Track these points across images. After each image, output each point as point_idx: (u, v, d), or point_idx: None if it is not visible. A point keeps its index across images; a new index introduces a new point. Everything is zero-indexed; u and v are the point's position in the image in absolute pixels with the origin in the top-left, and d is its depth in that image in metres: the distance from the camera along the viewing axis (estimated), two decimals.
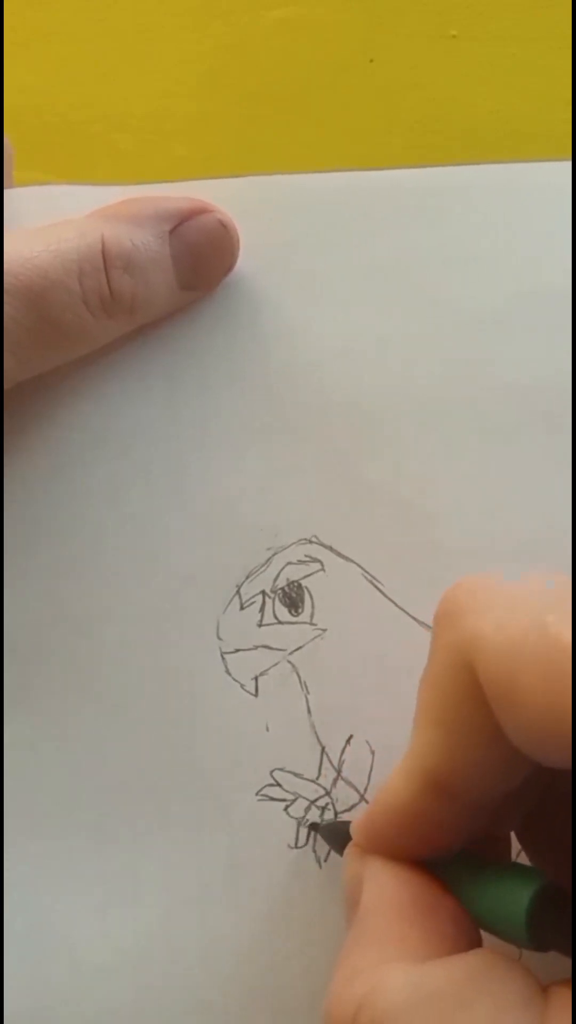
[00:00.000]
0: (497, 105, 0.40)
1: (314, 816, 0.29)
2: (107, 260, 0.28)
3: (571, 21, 0.40)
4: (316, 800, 0.29)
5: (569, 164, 0.31)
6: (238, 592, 0.30)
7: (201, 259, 0.30)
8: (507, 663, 0.20)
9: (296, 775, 0.29)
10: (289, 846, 0.29)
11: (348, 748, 0.29)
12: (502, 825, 0.25)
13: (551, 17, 0.40)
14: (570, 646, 0.19)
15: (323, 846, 0.28)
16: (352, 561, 0.30)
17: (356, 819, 0.24)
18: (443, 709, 0.22)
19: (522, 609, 0.20)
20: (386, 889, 0.22)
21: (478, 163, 0.39)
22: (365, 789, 0.29)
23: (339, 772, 0.29)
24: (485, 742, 0.21)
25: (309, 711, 0.29)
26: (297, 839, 0.29)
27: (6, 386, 0.28)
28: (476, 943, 0.22)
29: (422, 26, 0.40)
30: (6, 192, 0.31)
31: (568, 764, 0.19)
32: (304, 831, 0.29)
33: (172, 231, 0.29)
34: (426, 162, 0.39)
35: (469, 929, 0.22)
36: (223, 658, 0.30)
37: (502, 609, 0.21)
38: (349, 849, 0.24)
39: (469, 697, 0.21)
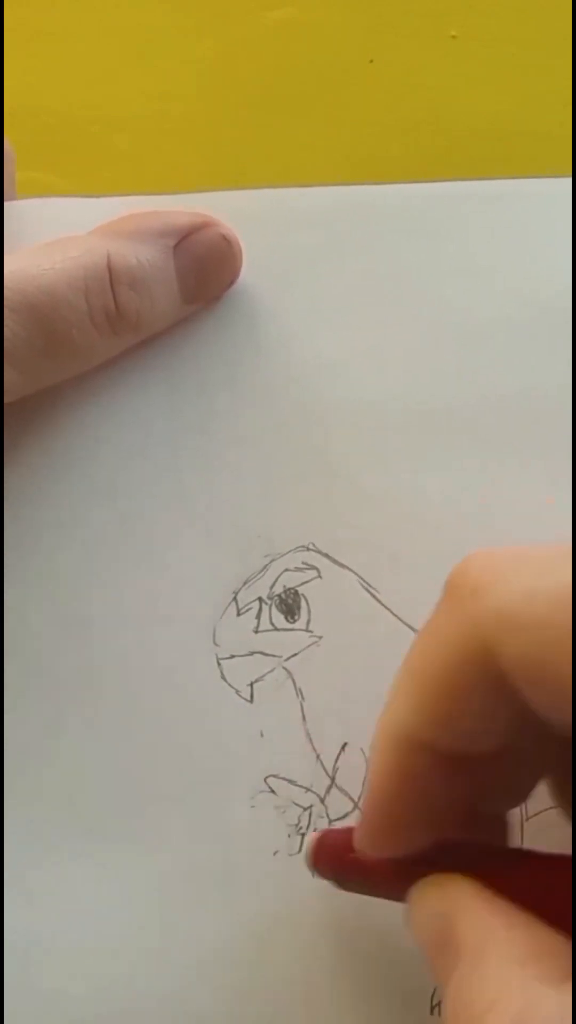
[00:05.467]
0: (497, 106, 0.40)
1: (306, 823, 0.29)
2: (113, 277, 0.28)
3: (571, 22, 0.40)
4: (309, 807, 0.29)
5: (568, 180, 0.31)
6: (235, 598, 0.30)
7: (204, 273, 0.30)
8: (538, 643, 0.19)
9: (290, 782, 0.29)
10: (283, 853, 0.29)
11: (342, 756, 0.29)
12: (503, 804, 0.25)
13: (551, 18, 0.40)
14: None
15: None
16: (348, 569, 0.30)
17: (357, 828, 0.24)
18: (448, 682, 0.21)
19: (546, 579, 0.20)
20: (490, 920, 0.21)
21: (478, 172, 0.39)
22: (359, 797, 0.29)
23: (333, 780, 0.29)
24: (499, 719, 0.21)
25: (304, 718, 0.30)
26: (290, 846, 0.29)
27: (12, 400, 0.28)
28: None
29: (422, 26, 0.40)
30: (11, 206, 0.31)
31: None
32: (298, 838, 0.29)
33: (176, 246, 0.29)
34: (426, 163, 0.40)
35: (564, 943, 0.21)
36: (219, 664, 0.30)
37: (526, 582, 0.20)
38: (422, 888, 0.23)
39: (485, 676, 0.20)
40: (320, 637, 0.30)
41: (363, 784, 0.29)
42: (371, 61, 0.40)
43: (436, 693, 0.21)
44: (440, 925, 0.22)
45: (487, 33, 0.40)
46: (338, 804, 0.29)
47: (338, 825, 0.29)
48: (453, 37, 0.40)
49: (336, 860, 0.26)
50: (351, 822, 0.27)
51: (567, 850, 0.24)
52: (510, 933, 0.21)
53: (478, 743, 0.22)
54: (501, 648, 0.20)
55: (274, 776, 0.29)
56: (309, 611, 0.30)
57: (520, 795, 0.25)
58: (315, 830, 0.29)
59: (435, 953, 0.22)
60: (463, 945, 0.21)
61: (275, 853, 0.29)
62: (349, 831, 0.26)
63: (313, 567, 0.30)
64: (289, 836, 0.29)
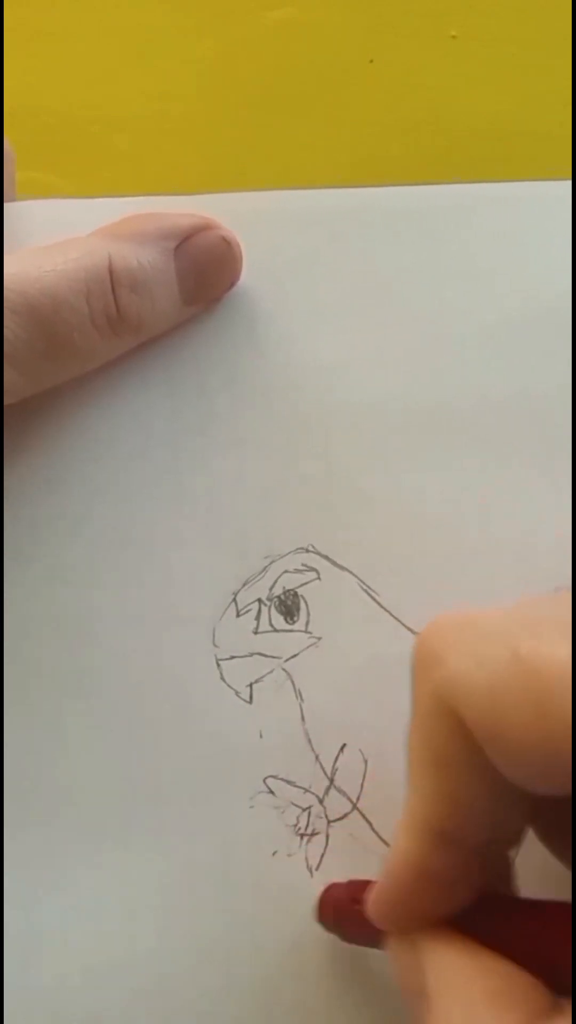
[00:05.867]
0: (497, 106, 0.40)
1: (305, 823, 0.29)
2: (114, 279, 0.28)
3: (571, 22, 0.40)
4: (308, 808, 0.29)
5: (568, 183, 0.31)
6: (234, 599, 0.30)
7: (205, 276, 0.30)
8: (491, 701, 0.20)
9: (289, 783, 0.29)
10: (281, 853, 0.29)
11: (341, 756, 0.29)
12: (502, 850, 0.25)
13: (551, 18, 0.40)
14: (547, 674, 0.19)
15: (315, 854, 0.29)
16: (348, 571, 0.30)
17: (370, 896, 0.24)
18: (434, 756, 0.22)
19: (497, 641, 0.20)
20: (457, 964, 0.22)
21: (478, 172, 0.39)
22: (357, 798, 0.29)
23: (332, 780, 0.29)
24: (481, 783, 0.21)
25: (303, 719, 0.30)
26: (289, 846, 0.29)
27: (13, 401, 0.28)
28: (544, 995, 0.21)
29: (422, 26, 0.40)
30: (12, 207, 0.31)
31: (565, 792, 0.19)
32: (297, 839, 0.29)
33: (176, 248, 0.29)
34: (426, 163, 0.40)
35: (534, 984, 0.21)
36: (218, 665, 0.30)
37: (477, 646, 0.21)
38: (396, 941, 0.23)
39: (458, 741, 0.21)
40: (319, 638, 0.30)
41: (361, 785, 0.29)
42: (371, 61, 0.40)
43: (430, 771, 0.22)
44: (413, 973, 0.23)
45: (487, 33, 0.40)
46: (337, 805, 0.29)
47: (336, 825, 0.29)
48: (453, 37, 0.40)
49: (339, 916, 0.27)
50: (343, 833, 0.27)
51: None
52: (476, 977, 0.21)
53: (477, 816, 0.22)
54: (461, 712, 0.21)
55: (273, 777, 0.29)
56: (308, 612, 0.30)
57: (516, 843, 0.25)
58: (314, 831, 0.29)
59: (412, 1002, 0.23)
60: (432, 992, 0.22)
61: (274, 853, 0.29)
62: (351, 885, 0.27)
63: (312, 569, 0.30)
64: (288, 837, 0.29)
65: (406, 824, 0.22)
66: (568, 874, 0.24)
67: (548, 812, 0.24)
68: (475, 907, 0.23)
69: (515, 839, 0.24)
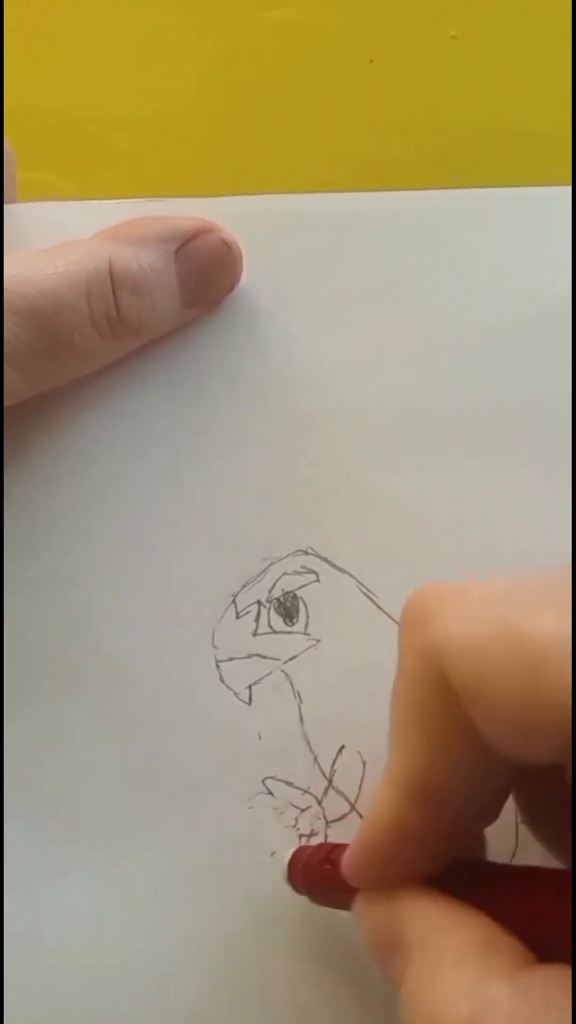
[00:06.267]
0: (497, 106, 0.40)
1: (303, 824, 0.29)
2: (115, 282, 0.28)
3: (571, 22, 0.40)
4: (307, 809, 0.29)
5: (568, 188, 0.31)
6: (234, 601, 0.30)
7: (206, 278, 0.30)
8: (477, 664, 0.20)
9: (288, 784, 0.30)
10: (280, 854, 0.29)
11: (339, 758, 0.30)
12: (479, 824, 0.25)
13: (551, 18, 0.40)
14: (535, 641, 0.19)
15: None
16: (347, 573, 0.30)
17: (345, 854, 0.24)
18: (419, 718, 0.22)
19: (486, 608, 0.21)
20: (438, 917, 0.22)
21: (478, 172, 0.39)
22: (355, 799, 0.30)
23: (330, 782, 0.30)
24: (463, 746, 0.22)
25: (302, 720, 0.30)
26: (288, 847, 0.29)
27: (13, 403, 0.28)
28: (524, 948, 0.21)
29: (422, 26, 0.40)
30: (12, 208, 0.31)
31: (543, 760, 0.20)
32: (296, 840, 0.29)
33: (177, 251, 0.29)
34: (426, 163, 0.40)
35: (513, 936, 0.22)
36: (218, 666, 0.30)
37: (467, 610, 0.21)
38: (370, 896, 0.24)
39: (443, 702, 0.21)
40: (318, 640, 0.30)
41: (359, 786, 0.30)
42: (371, 61, 0.40)
43: (413, 732, 0.22)
44: (388, 927, 0.23)
45: (487, 33, 0.40)
46: (335, 805, 0.30)
47: (335, 826, 0.29)
48: (453, 37, 0.40)
49: (309, 877, 0.27)
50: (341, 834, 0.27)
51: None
52: (459, 929, 0.22)
53: (457, 780, 0.22)
54: (448, 672, 0.21)
55: (272, 778, 0.30)
56: (307, 614, 0.30)
57: (492, 815, 0.25)
58: (312, 832, 0.29)
59: (386, 956, 0.23)
60: (413, 944, 0.22)
61: (272, 854, 0.29)
62: (321, 847, 0.27)
63: (312, 571, 0.30)
64: (286, 837, 0.29)
65: (386, 782, 0.23)
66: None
67: (528, 789, 0.24)
68: (448, 871, 0.23)
69: (490, 814, 0.25)
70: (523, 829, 0.28)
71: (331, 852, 0.27)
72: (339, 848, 0.26)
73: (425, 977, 0.21)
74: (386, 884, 0.23)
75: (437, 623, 0.21)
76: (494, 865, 0.25)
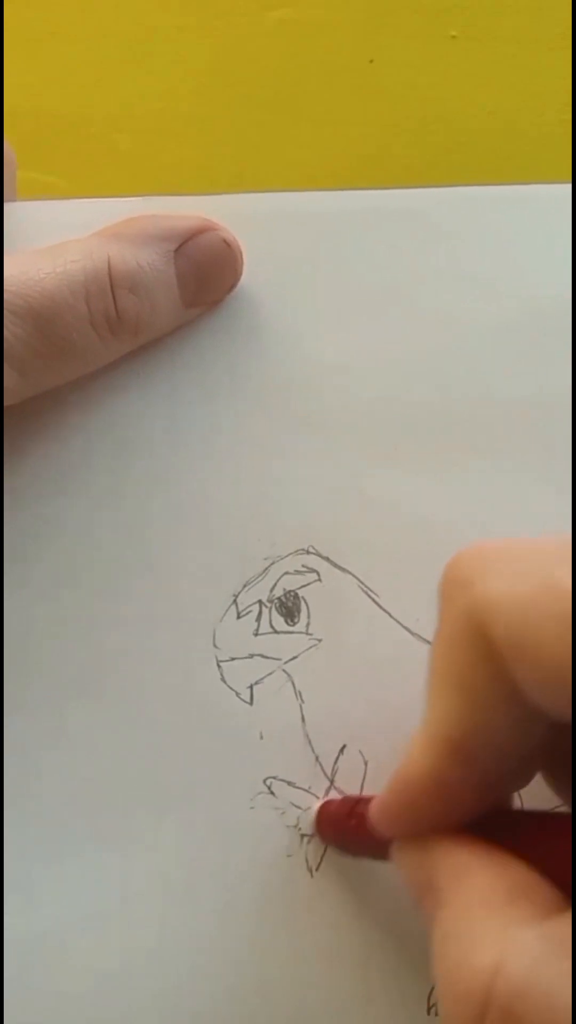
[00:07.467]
0: (497, 105, 0.40)
1: (306, 826, 0.29)
2: (114, 281, 0.28)
3: (571, 21, 0.40)
4: (308, 809, 0.29)
5: (568, 186, 0.31)
6: (235, 601, 0.30)
7: (205, 277, 0.30)
8: (522, 622, 0.20)
9: (289, 784, 0.29)
10: (282, 854, 0.29)
11: (341, 758, 0.30)
12: (509, 788, 0.25)
13: (551, 17, 0.40)
14: None
15: (315, 855, 0.29)
16: (348, 572, 0.30)
17: (375, 802, 0.24)
18: (459, 674, 0.22)
19: (531, 567, 0.21)
20: (469, 861, 0.22)
21: (478, 172, 0.39)
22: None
23: (332, 782, 0.30)
24: (502, 704, 0.22)
25: (303, 720, 0.30)
26: (290, 847, 0.29)
27: (11, 402, 0.28)
28: (556, 893, 0.21)
29: (422, 26, 0.40)
30: (12, 207, 0.31)
31: None
32: (297, 839, 0.29)
33: (177, 250, 0.29)
34: (426, 163, 0.40)
35: (545, 882, 0.22)
36: (219, 666, 0.30)
37: (511, 569, 0.21)
38: (400, 843, 0.24)
39: (484, 660, 0.21)
40: (320, 640, 0.30)
41: (361, 786, 0.29)
42: (371, 61, 0.40)
43: (452, 689, 0.22)
44: (423, 872, 0.23)
45: (487, 33, 0.40)
46: None
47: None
48: (453, 37, 0.40)
49: (337, 829, 0.28)
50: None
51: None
52: (489, 872, 0.22)
53: (494, 737, 0.22)
54: (491, 630, 0.21)
55: (273, 778, 0.30)
56: (309, 614, 0.30)
57: (524, 780, 0.25)
58: (314, 832, 0.29)
59: (421, 902, 0.23)
60: (444, 888, 0.22)
61: (274, 855, 0.29)
62: (346, 801, 0.28)
63: (313, 570, 0.30)
64: (288, 837, 0.29)
65: (423, 735, 0.23)
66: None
67: (555, 741, 0.24)
68: (483, 819, 0.23)
69: (523, 777, 0.24)
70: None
71: (355, 806, 0.27)
72: (363, 802, 0.26)
73: (453, 921, 0.21)
74: (417, 834, 0.23)
75: (479, 583, 0.22)
76: (529, 812, 0.25)
